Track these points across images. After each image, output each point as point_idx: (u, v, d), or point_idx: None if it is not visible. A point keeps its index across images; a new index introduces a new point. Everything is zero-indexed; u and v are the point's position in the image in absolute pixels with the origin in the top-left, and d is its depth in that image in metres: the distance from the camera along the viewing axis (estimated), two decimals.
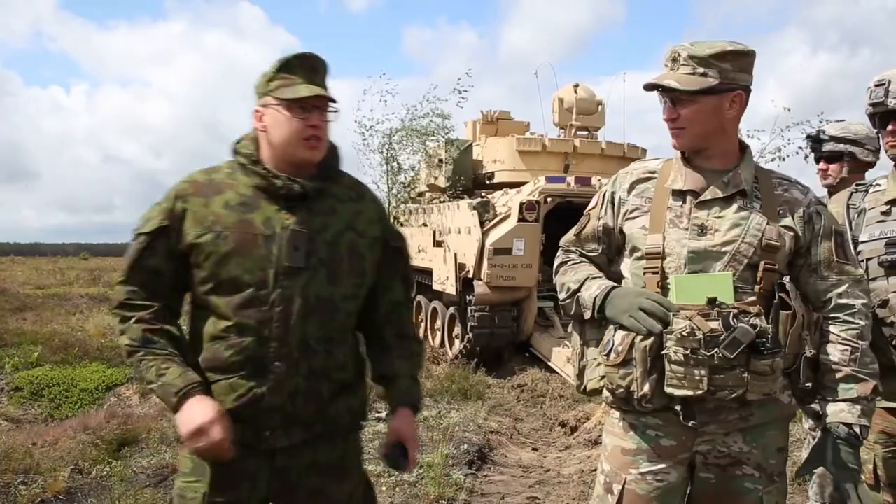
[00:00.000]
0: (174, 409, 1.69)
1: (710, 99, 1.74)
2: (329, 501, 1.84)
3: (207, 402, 1.67)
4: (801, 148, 9.96)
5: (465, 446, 4.68)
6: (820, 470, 1.97)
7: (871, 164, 3.04)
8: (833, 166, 3.03)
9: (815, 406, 1.84)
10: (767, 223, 1.75)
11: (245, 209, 1.76)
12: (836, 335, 1.78)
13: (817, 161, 3.10)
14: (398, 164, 10.96)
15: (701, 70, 1.73)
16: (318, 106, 1.76)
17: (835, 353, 1.77)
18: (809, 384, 1.79)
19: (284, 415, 1.74)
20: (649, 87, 1.80)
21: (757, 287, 1.73)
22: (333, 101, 1.79)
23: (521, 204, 7.10)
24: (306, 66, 1.77)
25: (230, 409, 1.70)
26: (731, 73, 1.74)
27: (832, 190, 2.94)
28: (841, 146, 2.99)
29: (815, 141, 3.07)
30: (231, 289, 1.72)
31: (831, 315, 1.80)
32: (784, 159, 10.30)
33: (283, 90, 1.74)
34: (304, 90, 1.73)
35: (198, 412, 1.65)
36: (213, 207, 1.75)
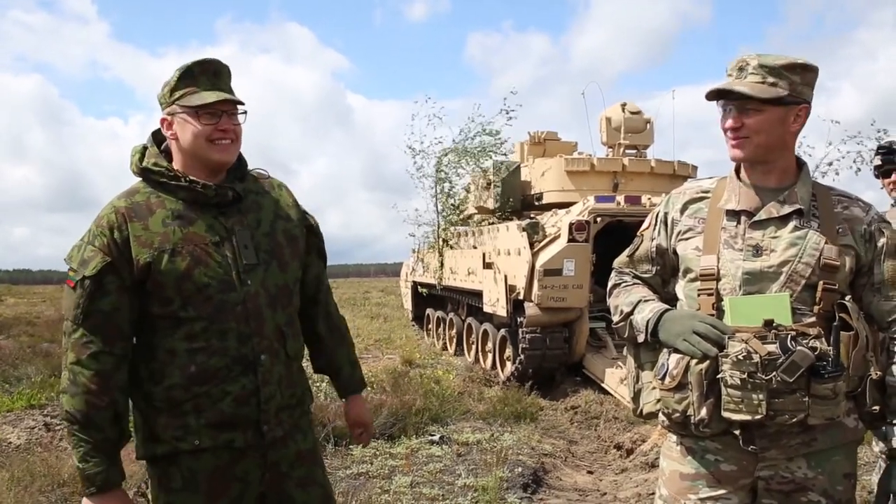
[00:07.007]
0: (86, 496, 1.74)
1: (777, 110, 1.71)
2: (317, 486, 1.94)
3: (119, 500, 1.76)
4: (854, 161, 9.62)
5: (520, 469, 4.63)
6: None
7: None
8: None
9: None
10: (826, 242, 1.72)
11: (184, 222, 1.79)
12: None
13: (887, 174, 3.04)
14: (451, 185, 10.93)
15: (771, 80, 1.70)
16: (226, 110, 1.82)
17: None
18: (877, 407, 1.74)
19: (276, 405, 1.82)
20: (714, 95, 1.76)
21: (816, 308, 1.69)
22: (241, 102, 1.85)
23: (571, 224, 7.06)
24: (208, 72, 1.82)
25: (229, 413, 1.75)
26: (799, 86, 1.71)
27: None
28: None
29: (889, 153, 3.02)
30: (201, 298, 1.75)
31: None
32: (837, 173, 9.94)
33: (188, 98, 1.78)
34: (210, 96, 1.78)
35: None
36: (154, 228, 1.76)
